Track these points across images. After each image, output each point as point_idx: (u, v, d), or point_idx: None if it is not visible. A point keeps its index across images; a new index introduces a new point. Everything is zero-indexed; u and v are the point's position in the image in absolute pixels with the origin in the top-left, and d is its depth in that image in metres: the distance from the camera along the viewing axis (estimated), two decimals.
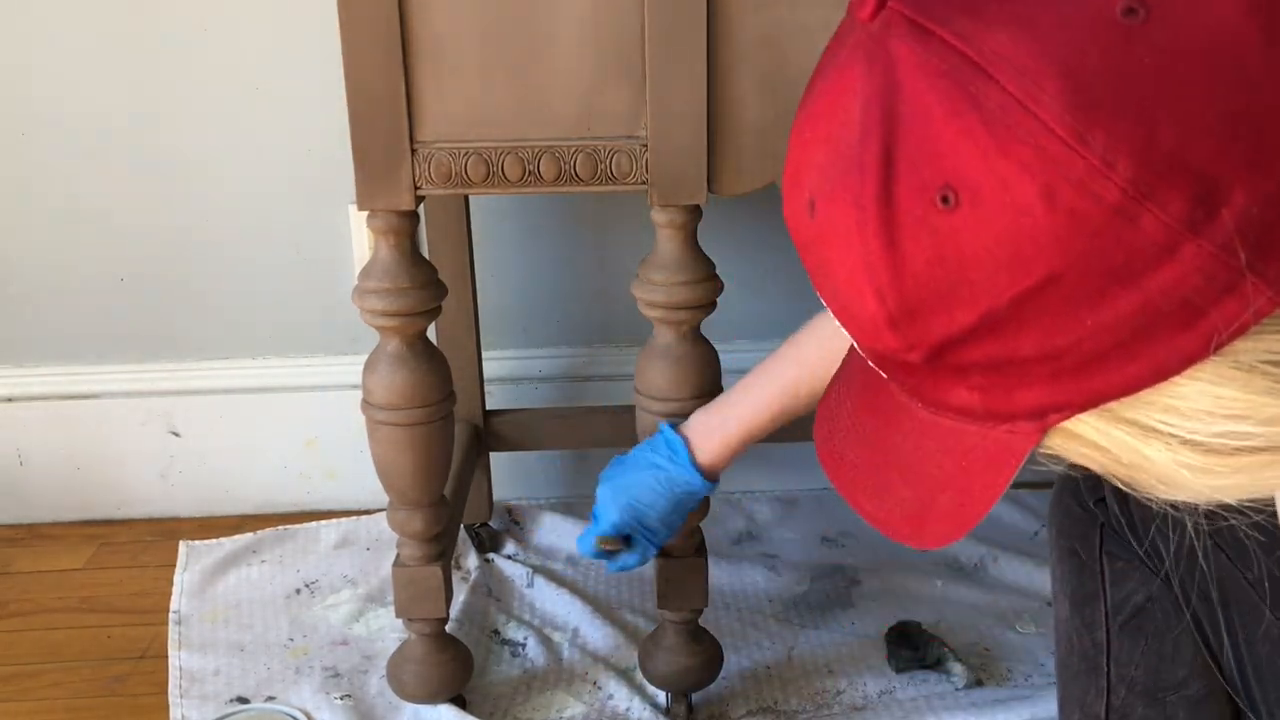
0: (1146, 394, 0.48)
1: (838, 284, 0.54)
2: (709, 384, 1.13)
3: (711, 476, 1.09)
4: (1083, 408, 0.49)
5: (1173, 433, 0.49)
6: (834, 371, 0.94)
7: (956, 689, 1.29)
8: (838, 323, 0.57)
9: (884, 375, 0.57)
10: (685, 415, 1.11)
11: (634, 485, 1.10)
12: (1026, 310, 0.47)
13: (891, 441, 0.59)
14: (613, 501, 1.11)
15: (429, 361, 1.12)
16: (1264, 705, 0.86)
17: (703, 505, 1.19)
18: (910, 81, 0.48)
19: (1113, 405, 0.49)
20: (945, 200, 0.47)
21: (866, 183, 0.49)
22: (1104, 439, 0.51)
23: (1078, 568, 0.95)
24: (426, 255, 1.25)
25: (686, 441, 1.08)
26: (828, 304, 0.57)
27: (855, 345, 0.57)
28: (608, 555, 1.13)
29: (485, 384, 1.57)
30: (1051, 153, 0.45)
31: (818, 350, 1.02)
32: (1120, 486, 0.53)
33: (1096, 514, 0.96)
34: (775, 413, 1.06)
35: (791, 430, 1.55)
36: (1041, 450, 0.53)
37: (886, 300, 0.51)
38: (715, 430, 1.08)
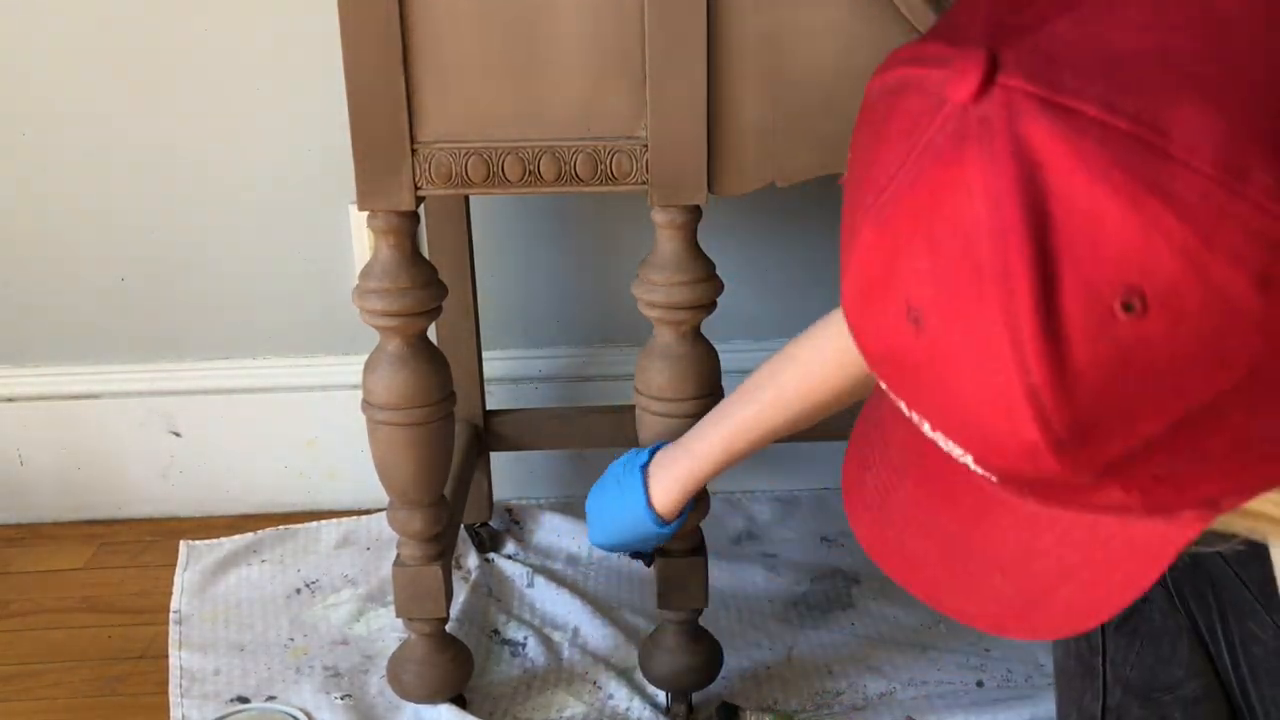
0: None
1: (969, 408, 0.47)
2: (709, 384, 1.13)
3: (669, 519, 1.09)
4: (1269, 488, 0.45)
5: None
6: (817, 395, 0.93)
7: None
8: (941, 439, 0.50)
9: (993, 480, 0.50)
10: (684, 416, 1.11)
11: (605, 515, 1.12)
12: (1225, 408, 0.43)
13: (983, 537, 0.53)
14: (592, 524, 1.15)
15: (429, 361, 1.12)
16: (1259, 706, 0.86)
17: (702, 505, 1.19)
18: (1064, 174, 0.42)
19: None
20: (1128, 307, 0.41)
21: (1018, 295, 0.42)
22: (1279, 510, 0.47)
23: None
24: (426, 255, 1.25)
25: (648, 480, 1.08)
26: (937, 425, 0.49)
27: (948, 451, 0.50)
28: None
29: (485, 384, 1.57)
30: (1269, 236, 0.40)
31: (797, 390, 1.00)
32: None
33: None
34: (739, 451, 1.04)
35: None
36: None
37: (1053, 425, 0.44)
38: (672, 471, 1.07)
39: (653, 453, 1.10)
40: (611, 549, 1.16)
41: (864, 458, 0.61)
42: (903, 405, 0.51)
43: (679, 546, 1.20)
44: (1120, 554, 0.48)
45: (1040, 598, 0.51)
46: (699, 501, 1.13)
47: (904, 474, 0.57)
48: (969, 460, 0.49)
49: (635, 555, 1.18)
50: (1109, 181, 0.41)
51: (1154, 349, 0.42)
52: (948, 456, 0.51)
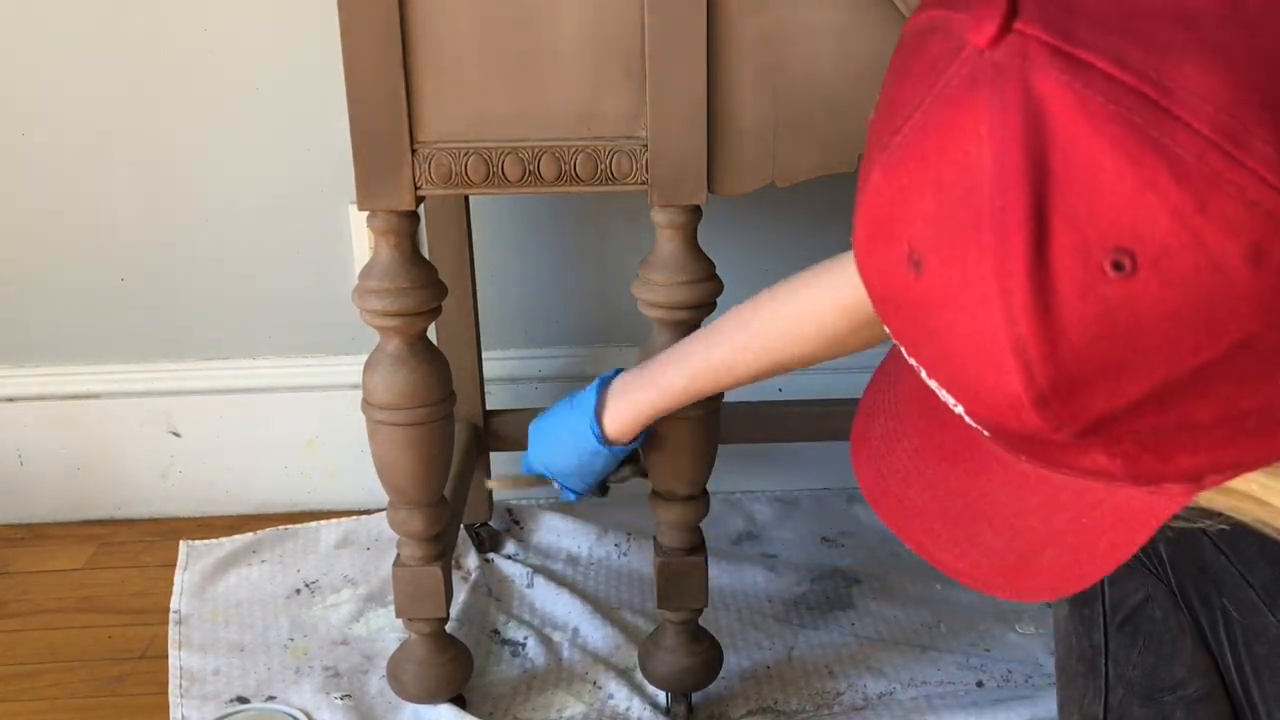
0: None
1: (959, 356, 0.47)
2: None
3: (617, 442, 1.06)
4: (1254, 466, 0.45)
5: None
6: (782, 353, 0.90)
7: None
8: (936, 388, 0.50)
9: (986, 435, 0.51)
10: (684, 416, 1.11)
11: (548, 437, 1.10)
12: (1212, 377, 0.42)
13: (977, 492, 0.53)
14: (532, 445, 1.12)
15: (429, 361, 1.12)
16: (1262, 705, 0.86)
17: (701, 505, 1.19)
18: (1067, 126, 0.41)
19: None
20: (1118, 266, 0.41)
21: (1011, 244, 0.42)
22: (1267, 493, 0.47)
23: None
24: (426, 255, 1.25)
25: (604, 401, 1.06)
26: (933, 372, 0.50)
27: (945, 401, 0.51)
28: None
29: (485, 384, 1.57)
30: (1266, 207, 0.39)
31: (780, 336, 0.97)
32: (1248, 525, 0.49)
33: None
34: (700, 391, 1.02)
35: (792, 430, 1.56)
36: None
37: (1036, 378, 0.44)
38: (630, 396, 1.05)
39: (613, 376, 1.08)
40: (548, 473, 1.12)
41: (874, 406, 0.61)
42: (904, 351, 0.51)
43: (679, 545, 1.20)
44: (1106, 521, 0.48)
45: (1028, 558, 0.51)
46: (650, 436, 1.11)
47: (910, 425, 0.58)
48: (961, 411, 0.50)
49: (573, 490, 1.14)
50: (1109, 135, 0.40)
51: (1141, 310, 0.41)
52: (949, 409, 0.51)
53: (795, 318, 0.96)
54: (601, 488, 1.14)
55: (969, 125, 0.44)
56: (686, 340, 1.04)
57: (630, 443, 1.08)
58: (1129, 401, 0.43)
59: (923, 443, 0.56)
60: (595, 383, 1.08)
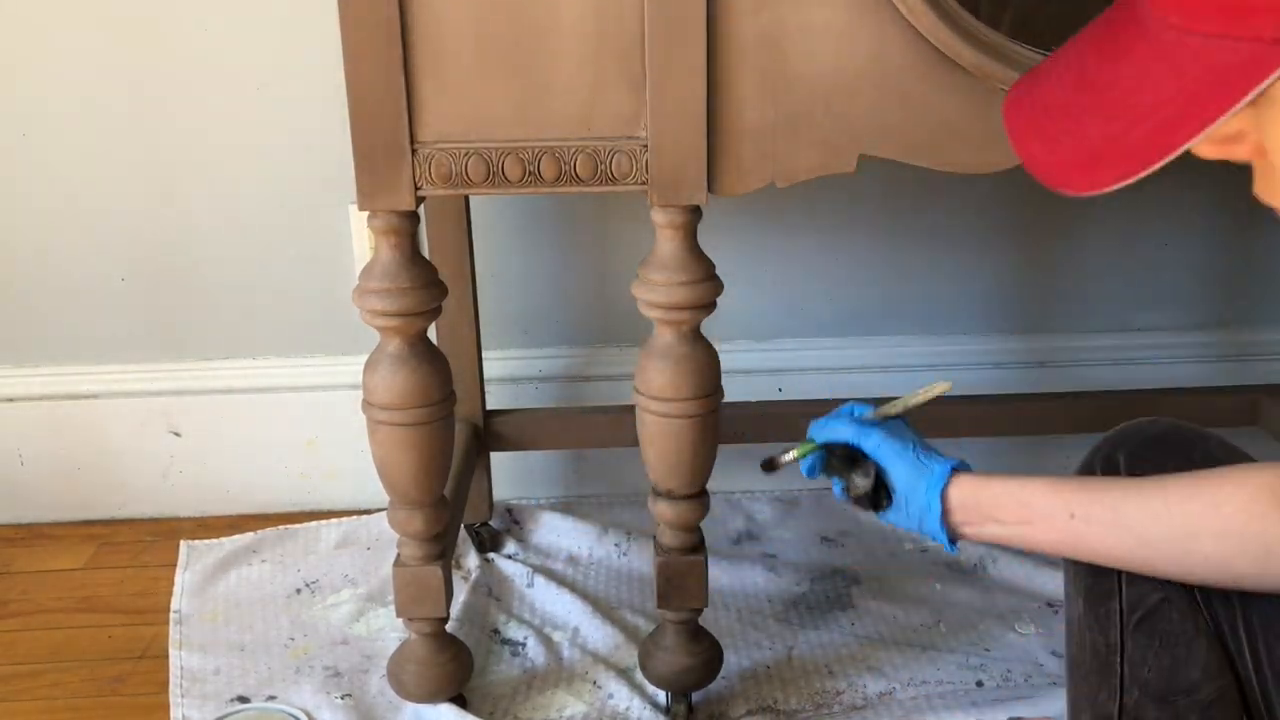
0: None
1: None
2: (709, 384, 1.13)
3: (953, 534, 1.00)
4: None
5: None
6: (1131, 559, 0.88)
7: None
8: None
9: None
10: (684, 416, 1.11)
11: (898, 492, 1.01)
12: None
13: (1111, 74, 0.61)
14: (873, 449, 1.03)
15: (429, 361, 1.12)
16: None
17: (701, 505, 1.19)
18: None
19: None
20: None
21: None
22: None
23: (1093, 566, 0.94)
24: (426, 255, 1.25)
25: (945, 505, 0.98)
26: None
27: None
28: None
29: (485, 384, 1.57)
30: None
31: (1155, 553, 0.86)
32: None
33: None
34: (1044, 549, 0.96)
35: (791, 430, 1.56)
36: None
37: None
38: (977, 528, 0.97)
39: (950, 470, 0.99)
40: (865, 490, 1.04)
41: (1045, 66, 0.70)
42: None
43: (679, 545, 1.20)
44: (1209, 77, 0.56)
45: (1119, 137, 0.60)
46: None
47: (1082, 36, 0.66)
48: None
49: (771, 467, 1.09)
50: None
51: None
52: (1132, 4, 0.61)
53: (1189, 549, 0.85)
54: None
55: None
56: (1068, 488, 0.93)
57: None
58: None
59: (1087, 46, 0.64)
60: (935, 483, 0.98)
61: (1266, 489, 0.79)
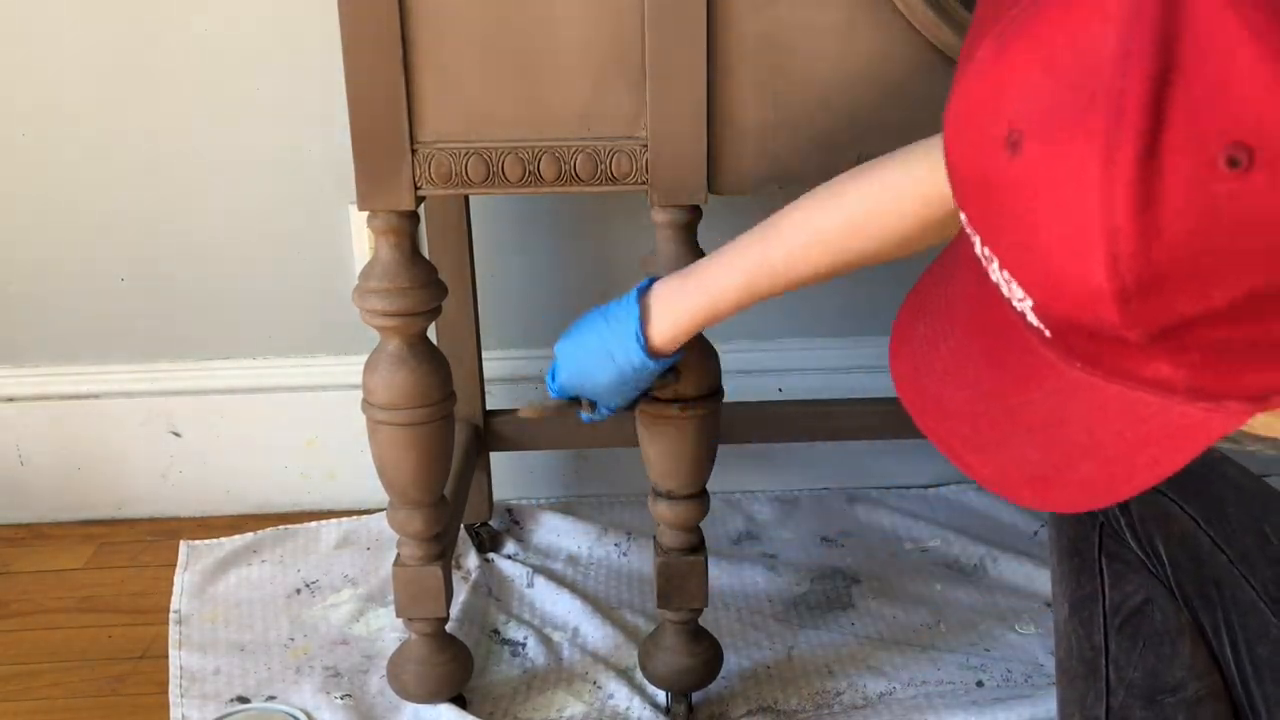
0: None
1: (1044, 244, 0.45)
2: (709, 384, 1.13)
3: (663, 354, 1.00)
4: None
5: None
6: (850, 251, 0.85)
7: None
8: (1005, 280, 0.48)
9: (1046, 334, 0.49)
10: (683, 418, 1.11)
11: (583, 351, 1.03)
12: None
13: (1020, 399, 0.51)
14: (562, 365, 1.06)
15: (429, 361, 1.12)
16: (1264, 706, 0.86)
17: (701, 505, 1.19)
18: (1206, 7, 0.40)
19: None
20: (1233, 162, 0.39)
21: (1124, 130, 0.41)
22: None
23: (1077, 568, 0.95)
24: (426, 255, 1.25)
25: (645, 311, 0.99)
26: (1008, 262, 0.48)
27: (1009, 297, 0.49)
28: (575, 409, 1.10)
29: (485, 384, 1.57)
30: None
31: (840, 233, 0.90)
32: None
33: (1096, 514, 0.96)
34: (757, 295, 0.96)
35: (791, 430, 1.56)
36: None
37: (1122, 273, 0.42)
38: (678, 305, 0.98)
39: (648, 285, 1.02)
40: (582, 393, 1.06)
41: (921, 306, 0.60)
42: (978, 241, 0.50)
43: (679, 546, 1.20)
44: (1153, 435, 0.47)
45: (1062, 469, 0.50)
46: (690, 349, 1.05)
47: (959, 326, 0.56)
48: (1028, 308, 0.48)
49: (592, 405, 1.08)
50: (1253, 26, 0.39)
51: (1247, 212, 0.40)
52: (1006, 313, 0.50)
53: (871, 213, 0.89)
54: (633, 403, 1.08)
55: (1097, 2, 0.42)
56: (737, 243, 0.97)
57: (675, 353, 1.01)
58: (1211, 309, 0.42)
59: (969, 343, 0.55)
60: (632, 293, 1.01)
61: (923, 203, 0.85)
